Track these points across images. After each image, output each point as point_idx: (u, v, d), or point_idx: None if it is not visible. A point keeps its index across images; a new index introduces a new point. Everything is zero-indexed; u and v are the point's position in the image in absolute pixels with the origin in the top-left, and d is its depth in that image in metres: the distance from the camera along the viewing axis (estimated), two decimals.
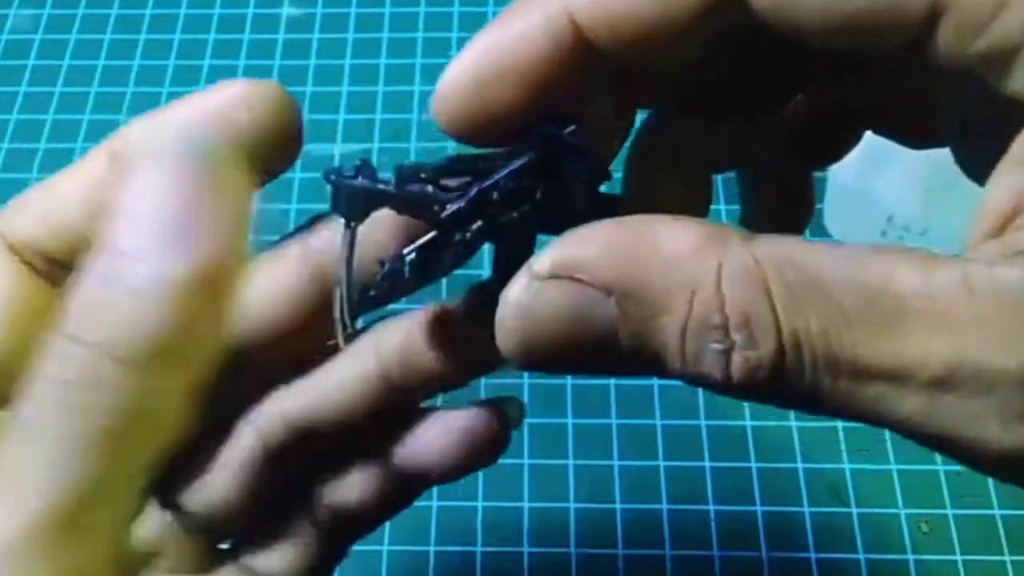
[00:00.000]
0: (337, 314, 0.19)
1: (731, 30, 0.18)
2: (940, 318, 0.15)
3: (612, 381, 0.41)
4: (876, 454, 0.39)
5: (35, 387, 0.16)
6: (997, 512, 0.37)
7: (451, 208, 0.18)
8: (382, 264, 0.19)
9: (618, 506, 0.38)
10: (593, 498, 0.38)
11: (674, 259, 0.16)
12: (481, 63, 0.18)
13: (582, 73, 0.18)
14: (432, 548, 0.38)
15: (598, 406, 0.40)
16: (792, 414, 0.40)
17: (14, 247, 0.20)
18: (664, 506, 0.38)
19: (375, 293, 0.19)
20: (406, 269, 0.18)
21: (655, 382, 0.41)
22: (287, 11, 0.52)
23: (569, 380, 0.41)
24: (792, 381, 0.16)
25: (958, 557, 0.36)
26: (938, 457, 0.38)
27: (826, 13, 0.16)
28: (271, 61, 0.50)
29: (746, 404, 0.39)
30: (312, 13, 0.52)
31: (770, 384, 0.16)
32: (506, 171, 0.18)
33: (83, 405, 0.16)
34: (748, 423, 0.39)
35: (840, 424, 0.39)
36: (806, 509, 0.37)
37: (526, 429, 0.40)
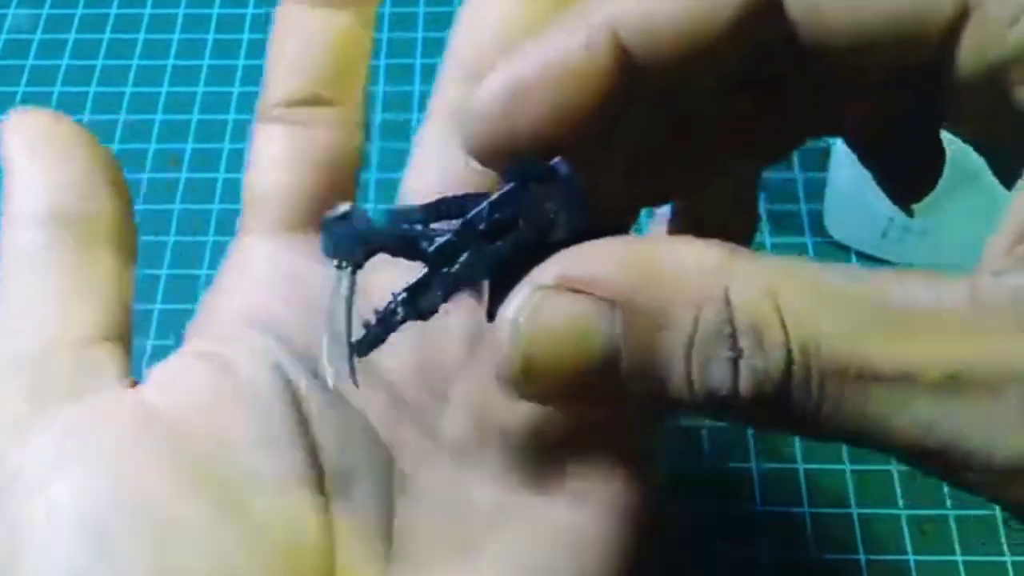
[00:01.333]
0: (325, 359, 0.19)
1: (765, 47, 0.18)
2: (948, 326, 0.15)
3: None
4: (877, 454, 0.39)
5: None
6: (997, 512, 0.37)
7: (439, 241, 0.19)
8: (376, 312, 0.19)
9: None
10: None
11: (682, 273, 0.16)
12: (518, 72, 0.18)
13: (618, 90, 0.18)
14: None
15: None
16: None
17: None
18: None
19: (370, 337, 0.20)
20: (399, 309, 0.19)
21: None
22: None
23: None
24: (798, 394, 0.16)
25: (958, 557, 0.36)
26: None
27: (856, 17, 0.17)
28: None
29: None
30: None
31: (775, 398, 0.16)
32: (488, 201, 0.19)
33: None
34: None
35: None
36: (806, 509, 0.37)
37: None
